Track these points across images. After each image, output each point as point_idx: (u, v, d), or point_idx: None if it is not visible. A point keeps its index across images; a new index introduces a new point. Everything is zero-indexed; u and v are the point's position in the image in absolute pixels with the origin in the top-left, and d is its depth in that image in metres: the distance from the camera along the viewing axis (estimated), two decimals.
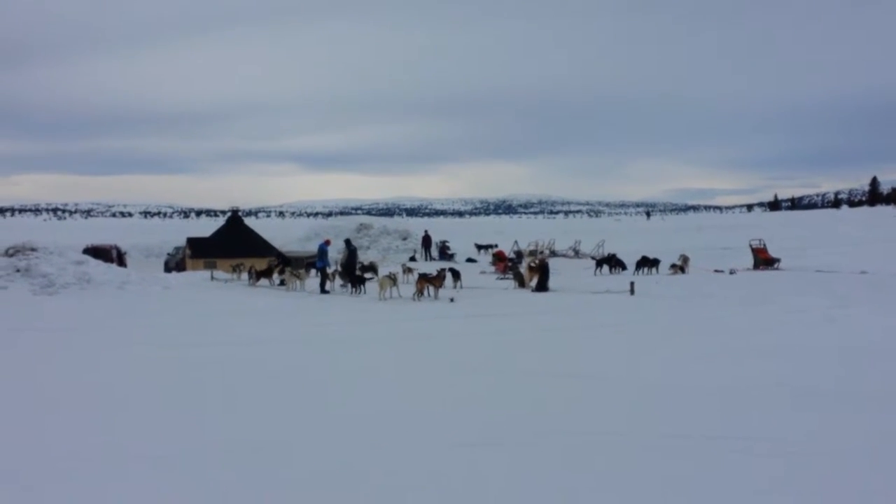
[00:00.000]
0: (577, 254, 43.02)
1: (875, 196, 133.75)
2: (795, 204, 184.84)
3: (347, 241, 27.34)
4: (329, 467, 6.44)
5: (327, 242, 26.78)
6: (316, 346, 13.47)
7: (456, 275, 25.48)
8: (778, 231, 52.92)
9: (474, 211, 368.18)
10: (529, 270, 25.24)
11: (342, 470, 6.37)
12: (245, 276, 28.56)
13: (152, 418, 8.13)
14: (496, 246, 43.50)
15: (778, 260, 31.69)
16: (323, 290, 24.38)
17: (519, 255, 39.33)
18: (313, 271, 26.83)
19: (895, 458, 6.59)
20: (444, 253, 42.45)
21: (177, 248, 41.10)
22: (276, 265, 28.51)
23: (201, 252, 36.59)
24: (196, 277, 28.91)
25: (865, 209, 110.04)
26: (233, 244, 36.46)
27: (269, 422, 7.98)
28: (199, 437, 7.33)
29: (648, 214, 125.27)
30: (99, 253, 30.22)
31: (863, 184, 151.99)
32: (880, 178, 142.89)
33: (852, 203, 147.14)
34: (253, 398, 9.18)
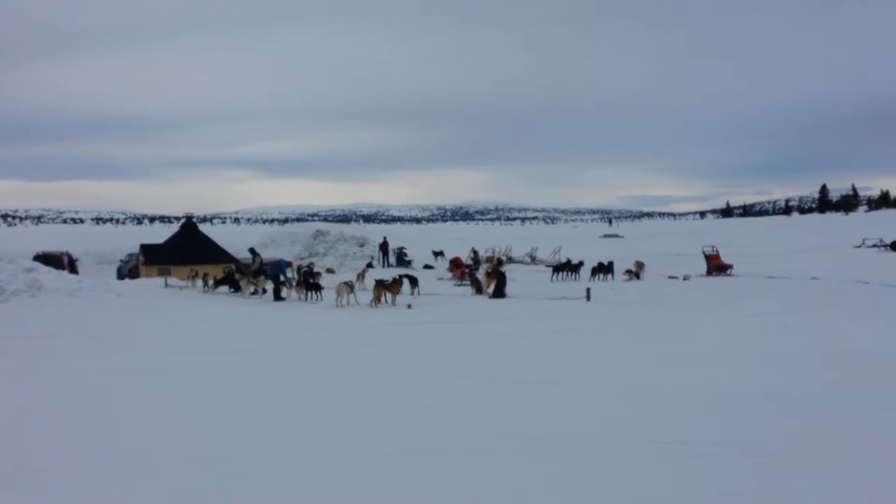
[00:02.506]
0: (533, 260, 43.22)
1: (825, 203, 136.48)
2: (747, 211, 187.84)
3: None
4: (294, 475, 6.41)
5: (289, 264, 26.81)
6: (274, 354, 13.36)
7: (413, 281, 25.45)
8: (730, 238, 53.74)
9: (432, 217, 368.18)
10: (487, 277, 25.30)
11: (308, 477, 6.34)
12: (200, 283, 28.25)
13: (106, 427, 8.01)
14: (442, 253, 43.69)
15: (730, 266, 32.15)
16: (277, 298, 24.20)
17: (476, 261, 39.43)
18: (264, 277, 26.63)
19: (844, 459, 6.71)
20: (402, 259, 42.38)
21: (130, 255, 40.41)
22: (235, 272, 28.25)
23: (155, 259, 36.04)
24: (150, 285, 28.49)
25: (815, 216, 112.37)
26: (187, 251, 35.96)
27: (229, 430, 7.90)
28: (156, 446, 7.24)
29: (611, 221, 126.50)
30: (50, 260, 29.67)
31: (813, 191, 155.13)
32: (830, 186, 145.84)
33: (803, 210, 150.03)
34: (209, 406, 9.09)
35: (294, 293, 24.77)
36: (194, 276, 28.97)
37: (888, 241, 44.35)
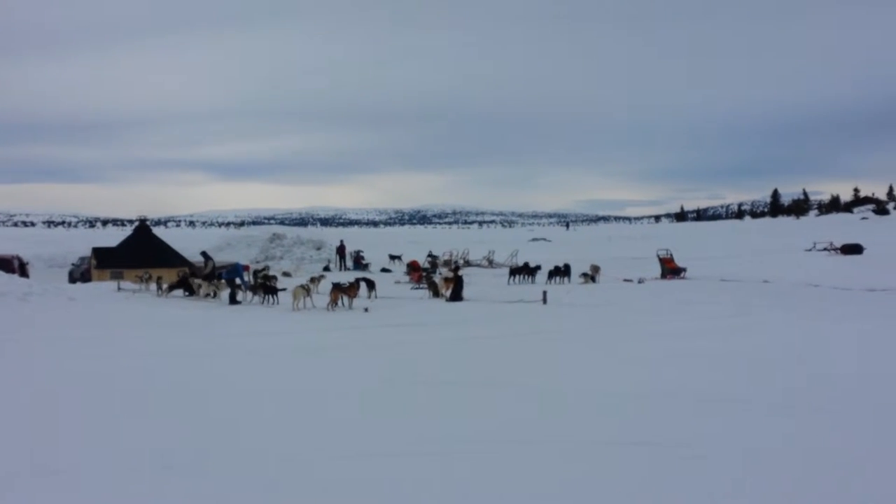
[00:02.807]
0: (490, 263, 43.41)
1: (776, 207, 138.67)
2: (701, 215, 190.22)
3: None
4: (245, 479, 6.36)
5: (246, 268, 26.70)
6: (229, 358, 13.24)
7: (370, 285, 25.42)
8: (684, 241, 54.44)
9: (389, 221, 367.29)
10: (445, 280, 25.35)
11: (261, 481, 6.30)
12: (153, 286, 27.98)
13: (55, 432, 7.87)
14: (399, 257, 43.74)
15: (684, 269, 32.58)
16: (233, 301, 24.02)
17: (434, 265, 39.49)
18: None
19: (793, 460, 6.83)
20: (359, 263, 42.31)
21: (82, 259, 39.83)
22: (190, 275, 28.00)
23: (108, 262, 35.59)
24: (102, 288, 28.13)
25: (767, 220, 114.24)
26: (141, 254, 35.59)
27: (181, 435, 7.81)
28: (106, 451, 7.14)
29: (568, 225, 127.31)
30: (0, 263, 29.11)
31: (765, 196, 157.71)
32: (781, 191, 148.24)
33: (755, 214, 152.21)
34: (162, 411, 8.98)
35: (250, 296, 24.62)
36: (148, 280, 28.73)
37: (838, 244, 45.24)
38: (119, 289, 27.98)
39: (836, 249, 44.42)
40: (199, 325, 18.80)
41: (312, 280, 25.31)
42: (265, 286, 24.88)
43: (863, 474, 6.35)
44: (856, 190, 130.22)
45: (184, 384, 10.71)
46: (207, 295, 25.50)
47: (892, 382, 10.18)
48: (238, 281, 24.92)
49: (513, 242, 55.24)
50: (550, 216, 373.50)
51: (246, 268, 26.89)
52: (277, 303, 23.44)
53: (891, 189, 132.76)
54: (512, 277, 32.54)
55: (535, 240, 75.69)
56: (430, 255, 42.13)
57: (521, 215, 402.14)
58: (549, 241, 72.08)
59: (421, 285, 29.72)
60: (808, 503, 5.75)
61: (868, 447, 7.15)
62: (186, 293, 26.89)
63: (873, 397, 9.26)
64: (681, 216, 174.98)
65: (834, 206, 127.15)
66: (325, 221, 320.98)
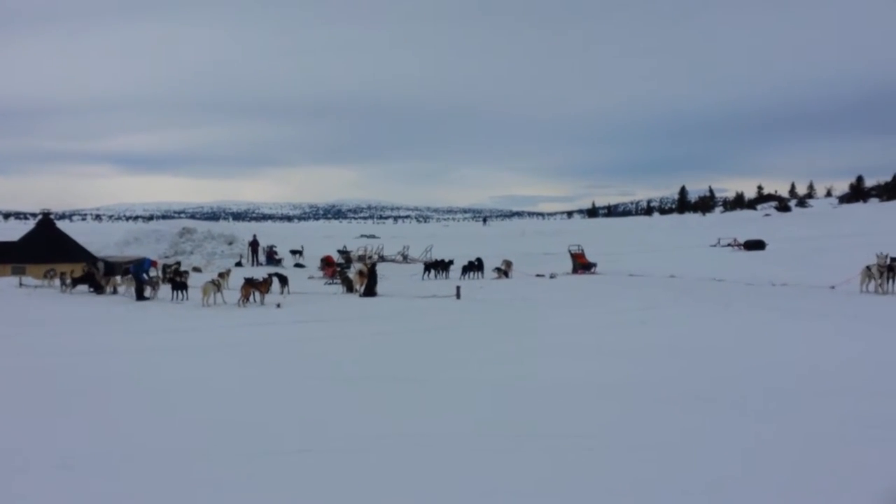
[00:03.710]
0: (405, 259, 43.42)
1: (683, 204, 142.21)
2: (611, 211, 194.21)
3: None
4: (155, 477, 6.23)
5: (154, 263, 26.20)
6: (136, 356, 12.91)
7: (283, 280, 25.13)
8: (595, 237, 55.47)
9: (303, 216, 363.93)
10: (359, 276, 25.26)
11: (170, 479, 6.18)
12: (57, 282, 27.16)
13: None
14: (300, 252, 43.37)
15: (594, 264, 33.22)
16: (140, 297, 23.44)
17: (348, 259, 39.29)
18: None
19: (694, 451, 7.04)
20: (272, 258, 41.78)
21: None
22: (95, 271, 27.23)
23: (8, 257, 34.24)
24: (2, 284, 27.17)
25: (675, 216, 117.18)
26: (44, 249, 34.35)
27: (87, 432, 7.60)
28: (8, 449, 6.90)
29: (485, 220, 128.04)
30: None
31: (673, 192, 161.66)
32: (688, 188, 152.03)
33: (663, 210, 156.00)
34: (67, 409, 8.72)
35: (157, 292, 24.06)
36: (51, 276, 27.92)
37: (741, 240, 46.80)
38: (21, 285, 27.07)
39: (739, 245, 46.00)
40: (105, 321, 18.29)
41: (221, 275, 24.85)
42: (173, 281, 24.39)
43: (762, 461, 6.58)
44: (759, 187, 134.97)
45: (87, 382, 10.40)
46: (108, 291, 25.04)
47: (793, 370, 10.57)
48: (145, 276, 24.33)
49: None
50: (466, 211, 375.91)
51: (154, 263, 26.32)
52: (187, 299, 22.97)
53: (793, 187, 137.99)
54: (426, 272, 32.63)
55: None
56: (340, 251, 41.78)
57: (436, 210, 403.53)
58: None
59: (335, 280, 29.54)
60: (719, 491, 5.94)
61: (768, 435, 7.42)
62: (92, 289, 26.20)
63: (775, 385, 9.60)
64: (592, 212, 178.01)
65: (738, 203, 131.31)
66: (238, 216, 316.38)
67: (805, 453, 6.80)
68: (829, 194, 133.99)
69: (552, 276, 30.84)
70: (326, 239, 56.13)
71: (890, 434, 7.35)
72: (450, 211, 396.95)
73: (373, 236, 69.69)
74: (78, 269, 28.11)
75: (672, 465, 6.51)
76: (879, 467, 6.39)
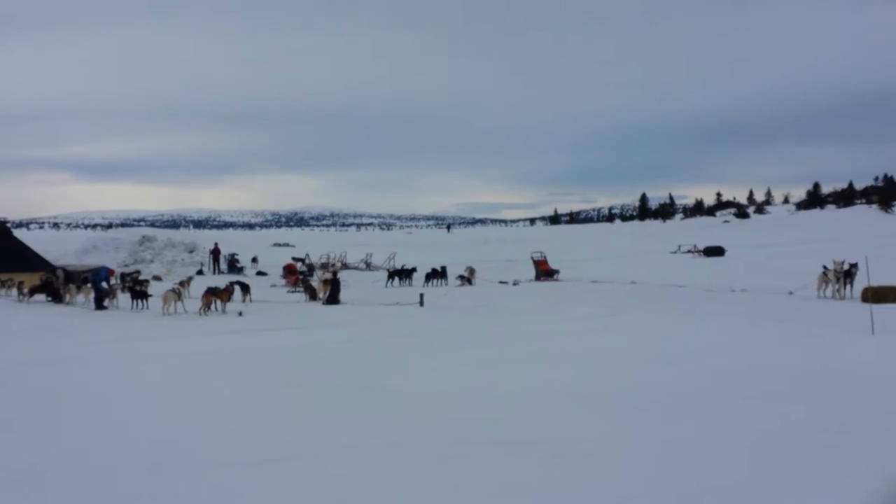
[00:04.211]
0: (368, 266, 43.30)
1: (644, 211, 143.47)
2: (574, 218, 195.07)
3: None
4: (111, 488, 6.14)
5: (111, 272, 25.89)
6: (94, 365, 12.73)
7: (245, 288, 24.94)
8: (558, 244, 55.73)
9: (265, 223, 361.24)
10: (323, 283, 25.14)
11: (128, 492, 6.09)
12: (14, 291, 26.76)
13: None
14: (255, 259, 43.07)
15: (557, 271, 33.37)
16: (99, 307, 23.13)
17: (311, 267, 39.08)
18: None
19: (653, 455, 7.10)
20: (234, 266, 41.42)
21: None
22: (54, 279, 26.89)
23: None
24: None
25: (636, 223, 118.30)
26: (1, 258, 33.78)
27: (42, 443, 7.48)
28: None
29: (449, 227, 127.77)
30: None
31: (634, 199, 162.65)
32: (649, 195, 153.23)
33: (625, 217, 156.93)
34: (23, 419, 8.57)
35: (115, 301, 23.75)
36: (9, 285, 27.52)
37: (701, 247, 47.31)
38: None
39: (699, 252, 46.48)
40: (64, 331, 18.02)
41: (182, 283, 24.60)
42: (133, 290, 24.10)
43: (713, 463, 6.66)
44: (718, 194, 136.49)
45: (44, 392, 10.25)
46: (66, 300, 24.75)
47: (755, 374, 10.71)
48: (105, 286, 24.01)
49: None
50: (429, 219, 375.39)
51: (111, 272, 25.97)
52: (147, 307, 22.70)
53: (751, 194, 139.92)
54: (390, 280, 32.59)
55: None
56: (294, 258, 41.34)
57: (399, 218, 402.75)
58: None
59: (297, 288, 29.39)
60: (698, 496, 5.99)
61: (728, 440, 7.51)
62: (50, 298, 25.83)
63: (740, 390, 9.72)
64: (555, 219, 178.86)
65: (698, 210, 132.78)
66: (199, 223, 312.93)
67: (760, 456, 6.88)
68: (786, 201, 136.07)
69: (515, 283, 30.98)
70: (289, 247, 55.69)
71: (863, 435, 7.46)
72: (413, 218, 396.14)
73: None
74: (36, 279, 27.72)
75: (650, 471, 6.55)
76: (858, 467, 6.48)
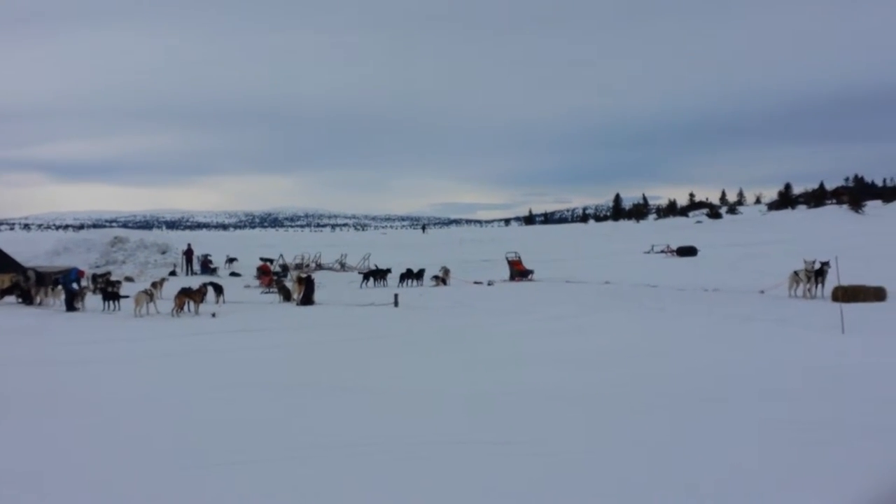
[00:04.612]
0: (343, 267, 43.18)
1: (618, 211, 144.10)
2: (548, 218, 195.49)
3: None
4: (88, 493, 6.08)
5: (81, 274, 25.67)
6: (65, 367, 12.59)
7: (218, 289, 24.79)
8: (532, 244, 55.86)
9: (239, 224, 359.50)
10: (297, 284, 25.04)
11: (101, 494, 6.03)
12: None
13: None
14: (235, 259, 42.83)
15: (532, 271, 33.45)
16: (70, 308, 22.90)
17: (285, 268, 38.90)
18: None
19: (621, 457, 7.14)
20: (207, 267, 41.14)
21: None
22: (25, 280, 26.57)
23: None
24: None
25: (610, 223, 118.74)
26: None
27: (9, 446, 7.39)
28: None
29: (424, 228, 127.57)
30: None
31: (608, 200, 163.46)
32: (623, 195, 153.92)
33: (598, 218, 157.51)
34: None
35: (84, 303, 23.52)
36: None
37: (674, 246, 47.64)
38: None
39: (672, 251, 46.81)
40: (33, 333, 17.84)
41: (154, 284, 24.39)
42: (105, 291, 23.88)
43: (694, 464, 6.70)
44: (691, 195, 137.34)
45: (14, 394, 10.11)
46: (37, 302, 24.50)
47: (727, 373, 10.80)
48: (76, 287, 23.80)
49: (366, 245, 55.07)
50: (404, 219, 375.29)
51: (81, 273, 25.74)
52: (119, 309, 22.50)
53: (723, 194, 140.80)
54: (364, 281, 32.52)
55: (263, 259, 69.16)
56: (262, 259, 41.06)
57: (374, 218, 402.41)
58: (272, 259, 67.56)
59: (271, 289, 29.26)
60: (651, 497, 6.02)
61: (709, 435, 7.56)
62: (20, 300, 25.54)
63: (711, 388, 9.80)
64: (529, 219, 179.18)
65: (671, 210, 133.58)
66: (172, 224, 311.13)
67: (736, 454, 6.94)
68: (758, 201, 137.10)
69: (490, 284, 31.01)
70: (263, 248, 55.39)
71: (839, 432, 7.54)
72: (388, 219, 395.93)
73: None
74: (6, 280, 27.40)
75: (627, 470, 6.59)
76: (837, 464, 6.55)
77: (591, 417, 8.48)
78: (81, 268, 31.50)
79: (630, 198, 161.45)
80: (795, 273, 22.40)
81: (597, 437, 7.64)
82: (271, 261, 40.49)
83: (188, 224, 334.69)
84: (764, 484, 6.12)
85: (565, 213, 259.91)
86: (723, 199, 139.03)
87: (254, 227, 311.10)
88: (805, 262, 22.24)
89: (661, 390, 9.80)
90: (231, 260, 43.57)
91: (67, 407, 9.50)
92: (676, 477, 6.32)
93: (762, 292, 23.07)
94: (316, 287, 24.68)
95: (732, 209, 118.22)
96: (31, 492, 6.16)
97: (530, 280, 32.44)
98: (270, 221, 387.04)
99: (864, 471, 6.29)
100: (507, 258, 35.34)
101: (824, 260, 21.72)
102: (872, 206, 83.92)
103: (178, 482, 6.35)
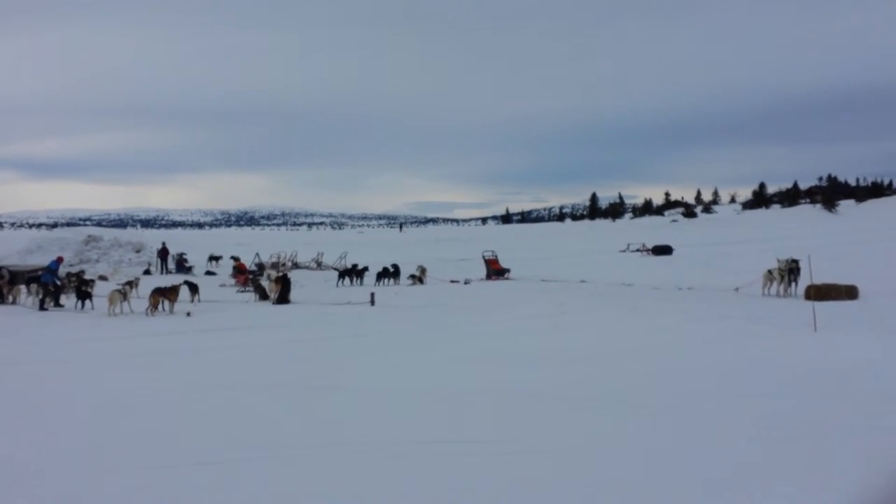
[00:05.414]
0: (319, 266, 43.05)
1: (594, 210, 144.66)
2: (525, 217, 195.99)
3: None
4: (63, 495, 6.03)
5: (59, 260, 25.30)
6: (36, 367, 12.48)
7: (193, 288, 24.64)
8: (509, 243, 56.00)
9: (215, 222, 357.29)
10: (273, 283, 24.94)
11: (75, 495, 5.98)
12: None
13: None
14: (219, 258, 42.60)
15: (508, 270, 33.54)
16: (42, 307, 22.67)
17: (261, 266, 38.74)
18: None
19: (598, 454, 7.18)
20: (182, 265, 40.85)
21: None
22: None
23: None
24: None
25: (586, 222, 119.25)
26: None
27: None
28: None
29: (401, 227, 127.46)
30: None
31: (584, 199, 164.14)
32: (599, 194, 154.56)
33: (575, 217, 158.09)
34: None
35: (50, 302, 23.28)
36: None
37: (650, 245, 47.93)
38: None
39: (647, 250, 47.10)
40: (7, 331, 17.62)
41: (129, 283, 24.18)
42: (79, 290, 23.65)
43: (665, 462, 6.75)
44: (667, 194, 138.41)
45: None
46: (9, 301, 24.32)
47: (703, 372, 10.88)
48: (57, 281, 23.58)
49: (343, 244, 55.00)
50: (380, 218, 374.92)
51: (60, 259, 25.54)
52: (93, 308, 22.31)
53: (699, 193, 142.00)
54: (341, 279, 32.45)
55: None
56: (232, 257, 40.81)
57: (351, 217, 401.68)
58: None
59: (247, 288, 29.12)
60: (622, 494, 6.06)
61: (684, 436, 7.61)
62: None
63: (686, 386, 9.87)
64: (506, 218, 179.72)
65: (647, 209, 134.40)
66: (147, 223, 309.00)
67: (719, 453, 7.00)
68: (733, 201, 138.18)
69: (467, 282, 31.06)
70: (240, 247, 55.11)
71: (814, 429, 7.62)
72: (364, 217, 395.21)
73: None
74: None
75: (611, 469, 6.62)
76: (814, 464, 6.62)
77: (567, 416, 8.51)
78: (60, 255, 31.10)
79: (606, 197, 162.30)
80: (769, 272, 22.61)
81: (575, 435, 7.67)
82: (238, 258, 40.26)
83: (163, 223, 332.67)
84: (738, 480, 6.18)
85: (542, 212, 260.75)
86: (698, 198, 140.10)
87: (230, 226, 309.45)
88: (778, 260, 22.45)
89: (636, 388, 9.85)
90: (214, 258, 43.28)
91: (39, 408, 9.41)
92: (656, 473, 6.36)
93: (737, 290, 23.25)
94: (292, 286, 24.60)
95: (707, 208, 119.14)
96: (8, 492, 6.10)
97: (507, 279, 32.52)
98: (246, 220, 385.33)
99: (833, 468, 6.37)
100: (483, 257, 35.41)
101: (795, 258, 21.94)
102: (845, 205, 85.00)
103: (156, 481, 6.30)
